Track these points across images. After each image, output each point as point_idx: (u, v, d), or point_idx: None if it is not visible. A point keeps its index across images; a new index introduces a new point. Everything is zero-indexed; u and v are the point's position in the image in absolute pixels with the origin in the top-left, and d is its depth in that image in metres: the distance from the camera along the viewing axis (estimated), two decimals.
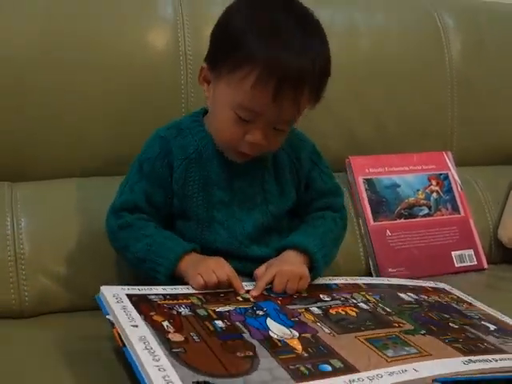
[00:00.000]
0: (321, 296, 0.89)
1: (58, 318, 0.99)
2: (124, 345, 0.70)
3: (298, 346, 0.74)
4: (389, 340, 0.77)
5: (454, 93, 1.39)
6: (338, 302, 0.88)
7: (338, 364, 0.70)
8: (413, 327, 0.82)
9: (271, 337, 0.75)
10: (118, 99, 1.12)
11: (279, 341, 0.75)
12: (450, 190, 1.33)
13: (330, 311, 0.85)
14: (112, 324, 0.75)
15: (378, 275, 1.19)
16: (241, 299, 0.85)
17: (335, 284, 0.96)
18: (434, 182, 1.32)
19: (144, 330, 0.72)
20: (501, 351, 0.79)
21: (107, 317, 0.76)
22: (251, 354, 0.70)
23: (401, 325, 0.82)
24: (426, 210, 1.29)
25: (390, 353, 0.74)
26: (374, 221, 1.24)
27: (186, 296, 0.83)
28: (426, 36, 1.39)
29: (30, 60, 1.06)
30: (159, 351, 0.67)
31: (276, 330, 0.77)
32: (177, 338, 0.71)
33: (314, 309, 0.85)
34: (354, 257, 1.21)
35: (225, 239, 0.95)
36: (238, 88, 0.85)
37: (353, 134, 1.30)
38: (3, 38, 1.05)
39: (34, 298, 1.00)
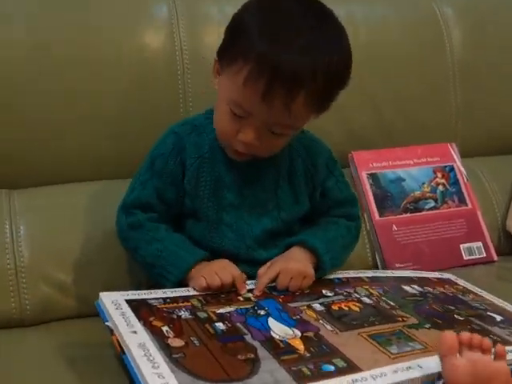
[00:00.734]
0: (323, 291, 0.88)
1: (59, 325, 0.98)
2: (123, 352, 0.69)
3: (300, 345, 0.72)
4: (392, 335, 0.76)
5: (457, 83, 1.37)
6: (341, 297, 0.87)
7: (340, 363, 0.69)
8: (417, 321, 0.81)
9: (273, 337, 0.74)
10: (114, 101, 1.10)
11: (281, 341, 0.73)
12: (456, 182, 1.30)
13: (333, 307, 0.83)
14: (111, 331, 0.74)
15: (385, 270, 1.17)
16: (242, 299, 0.84)
17: (338, 278, 0.94)
18: (439, 175, 1.30)
19: (143, 335, 0.71)
20: (507, 342, 0.77)
21: (106, 323, 0.75)
22: (252, 356, 0.69)
23: (404, 319, 0.81)
24: (432, 203, 1.27)
25: (393, 349, 0.72)
26: (380, 216, 1.22)
27: (186, 298, 0.82)
28: (425, 26, 1.37)
29: (24, 63, 1.05)
30: (158, 358, 0.66)
31: (278, 329, 0.76)
32: (177, 343, 0.70)
33: (316, 305, 0.83)
34: (361, 253, 1.18)
35: (232, 242, 0.93)
36: (233, 82, 0.83)
37: (355, 129, 1.29)
38: None
39: (35, 307, 0.99)
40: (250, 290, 0.87)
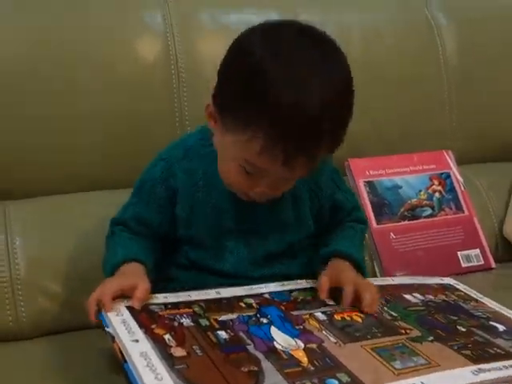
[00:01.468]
0: (325, 300, 0.87)
1: (56, 338, 0.97)
2: (125, 360, 0.67)
3: (303, 358, 0.71)
4: (396, 349, 0.74)
5: (452, 91, 1.37)
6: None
7: (344, 378, 0.67)
8: (420, 333, 0.79)
9: (276, 348, 0.72)
10: (109, 114, 1.10)
11: (284, 352, 0.72)
12: (452, 189, 1.30)
13: (335, 317, 0.82)
14: (112, 338, 0.72)
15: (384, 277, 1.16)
16: (244, 305, 0.83)
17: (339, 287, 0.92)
18: (435, 182, 1.30)
19: (145, 344, 0.69)
20: (511, 356, 0.76)
21: (107, 329, 0.73)
22: (256, 368, 0.67)
23: (407, 331, 0.80)
24: (429, 211, 1.26)
25: (397, 364, 0.71)
26: (377, 224, 1.21)
27: (187, 304, 0.81)
28: (418, 34, 1.37)
29: (17, 72, 1.05)
30: (161, 368, 0.65)
31: (281, 340, 0.74)
32: (179, 352, 0.69)
33: (319, 314, 0.82)
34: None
35: (233, 265, 0.89)
36: (245, 147, 0.77)
37: (350, 137, 1.27)
38: None
39: (32, 319, 0.98)
40: (252, 296, 0.85)
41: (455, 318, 0.86)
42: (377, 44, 1.32)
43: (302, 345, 0.74)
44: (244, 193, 0.84)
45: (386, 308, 0.86)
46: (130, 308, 0.77)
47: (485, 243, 1.27)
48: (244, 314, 0.80)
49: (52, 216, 1.05)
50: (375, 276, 1.18)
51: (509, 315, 0.90)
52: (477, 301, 0.95)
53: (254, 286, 0.87)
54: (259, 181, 0.80)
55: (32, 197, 1.07)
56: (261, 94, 0.73)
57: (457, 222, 1.27)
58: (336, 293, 0.86)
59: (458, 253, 1.24)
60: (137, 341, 0.69)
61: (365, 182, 1.24)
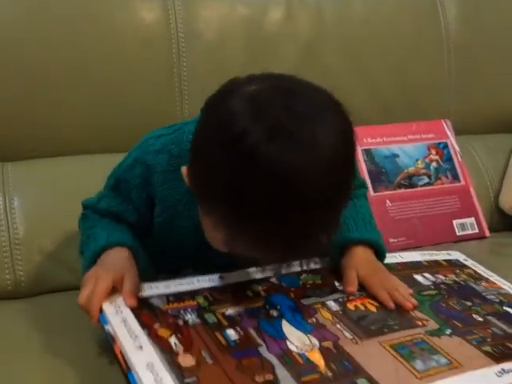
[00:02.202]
0: (336, 284, 0.83)
1: (54, 297, 0.97)
2: (129, 368, 0.63)
3: (320, 361, 0.67)
4: (415, 346, 0.71)
5: (451, 60, 1.37)
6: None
7: None
8: (437, 325, 0.77)
9: (290, 351, 0.68)
10: (109, 75, 1.09)
11: (300, 355, 0.67)
12: (449, 159, 1.31)
13: (348, 306, 0.78)
14: (112, 338, 0.67)
15: None
16: (250, 294, 0.78)
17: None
18: (433, 151, 1.30)
19: (150, 352, 0.64)
20: None
21: (106, 327, 0.68)
22: (271, 377, 0.63)
23: (424, 322, 0.77)
24: (426, 180, 1.27)
25: (418, 365, 0.68)
26: (374, 191, 1.22)
27: (191, 295, 0.75)
28: (421, 3, 1.36)
29: (16, 35, 1.04)
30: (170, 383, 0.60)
31: (294, 339, 0.70)
32: (187, 361, 0.64)
33: (331, 303, 0.78)
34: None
35: (217, 259, 0.78)
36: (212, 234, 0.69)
37: (349, 105, 1.27)
38: None
39: (30, 279, 0.99)
40: (258, 281, 0.80)
41: (469, 303, 0.84)
42: (379, 13, 1.31)
43: (317, 343, 0.70)
44: None
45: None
46: None
47: (480, 212, 1.28)
48: (252, 307, 0.75)
49: (50, 177, 1.06)
50: None
51: None
52: (487, 280, 0.93)
53: (258, 269, 0.81)
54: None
55: (31, 159, 1.07)
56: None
57: (453, 191, 1.28)
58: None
59: (454, 221, 1.25)
60: (141, 348, 0.64)
61: (362, 149, 1.24)
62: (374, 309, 0.79)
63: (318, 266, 0.87)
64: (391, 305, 0.79)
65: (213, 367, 0.64)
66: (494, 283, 0.93)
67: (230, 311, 0.73)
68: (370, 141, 1.26)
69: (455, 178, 1.30)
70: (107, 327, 0.68)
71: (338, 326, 0.74)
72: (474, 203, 1.28)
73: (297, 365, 0.66)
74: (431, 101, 1.36)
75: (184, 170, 0.72)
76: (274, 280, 0.81)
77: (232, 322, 0.71)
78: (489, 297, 0.88)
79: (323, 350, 0.69)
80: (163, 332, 0.68)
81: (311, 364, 0.66)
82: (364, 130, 1.26)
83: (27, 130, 1.06)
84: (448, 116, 1.37)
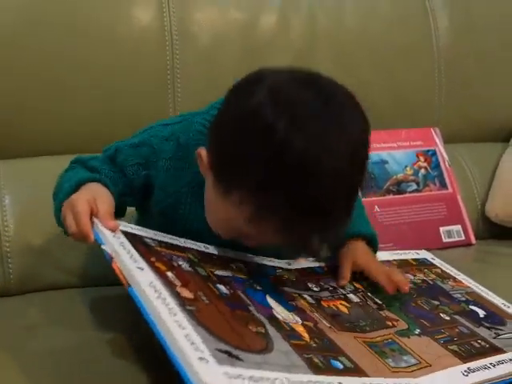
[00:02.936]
0: (309, 284, 0.83)
1: (44, 295, 0.97)
2: (129, 284, 0.60)
3: (304, 333, 0.67)
4: (386, 346, 0.72)
5: (442, 70, 1.38)
6: (327, 293, 0.83)
7: (347, 363, 0.64)
8: (407, 325, 0.79)
9: (276, 317, 0.68)
10: (103, 74, 1.10)
11: (285, 323, 0.68)
12: (437, 166, 1.33)
13: (322, 303, 0.79)
14: (110, 257, 0.64)
15: None
16: (234, 267, 0.77)
17: (320, 268, 0.90)
18: (422, 158, 1.32)
19: (151, 275, 0.61)
20: (496, 350, 0.77)
21: (103, 247, 0.65)
22: (263, 330, 0.63)
23: (394, 322, 0.79)
24: (414, 186, 1.29)
25: (390, 362, 0.69)
26: (362, 196, 1.23)
27: (180, 249, 0.73)
28: (413, 13, 1.38)
29: (13, 34, 1.04)
30: (173, 304, 0.57)
31: (279, 310, 0.71)
32: (186, 293, 0.61)
33: (307, 297, 0.79)
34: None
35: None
36: (235, 212, 0.68)
37: None
38: None
39: (20, 276, 0.99)
40: (241, 262, 0.79)
41: (437, 302, 0.87)
42: (372, 21, 1.33)
43: (300, 320, 0.71)
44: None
45: (369, 293, 0.85)
46: (124, 234, 0.69)
47: (466, 220, 1.30)
48: (238, 276, 0.74)
49: (42, 176, 1.05)
50: None
51: (485, 295, 0.92)
52: (455, 279, 0.97)
53: (240, 253, 0.81)
54: (252, 238, 0.73)
55: (22, 157, 1.07)
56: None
57: (440, 198, 1.29)
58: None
59: (440, 228, 1.27)
60: (141, 269, 0.62)
61: None
62: (345, 310, 0.80)
63: (292, 268, 0.87)
64: (391, 288, 0.84)
65: (210, 306, 0.63)
66: (461, 282, 0.96)
67: (218, 272, 0.72)
68: None
69: (443, 185, 1.31)
70: (104, 247, 0.66)
71: (316, 314, 0.75)
72: (460, 211, 1.30)
73: (284, 329, 0.66)
74: (421, 109, 1.38)
75: (203, 151, 0.73)
76: (253, 265, 0.81)
77: (222, 280, 0.71)
78: (455, 295, 0.91)
79: (306, 327, 0.69)
80: (160, 265, 0.66)
81: (297, 332, 0.67)
82: None
83: (19, 128, 1.07)
84: (437, 124, 1.38)
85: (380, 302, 0.84)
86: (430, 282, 0.95)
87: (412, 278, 0.94)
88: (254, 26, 1.21)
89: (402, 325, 0.79)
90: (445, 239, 1.26)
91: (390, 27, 1.34)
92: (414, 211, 1.26)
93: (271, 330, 0.64)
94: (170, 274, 0.64)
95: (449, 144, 1.38)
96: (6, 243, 0.99)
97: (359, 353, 0.69)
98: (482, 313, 0.87)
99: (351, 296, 0.84)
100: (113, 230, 0.68)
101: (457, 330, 0.81)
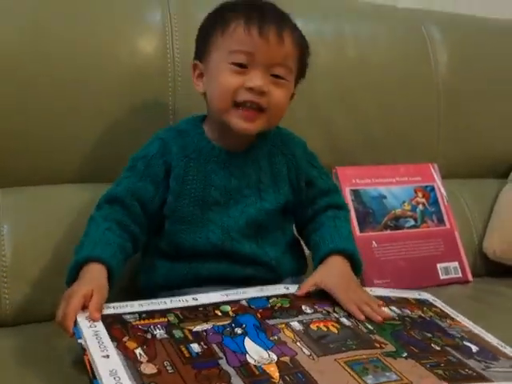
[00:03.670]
0: (303, 307, 0.87)
1: (39, 326, 0.97)
2: (94, 377, 0.67)
3: (275, 373, 0.70)
4: (370, 363, 0.74)
5: (441, 105, 1.40)
6: (320, 315, 0.85)
7: None
8: (394, 349, 0.80)
9: (248, 363, 0.72)
10: (106, 104, 1.11)
11: (256, 367, 0.71)
12: (435, 202, 1.33)
13: (311, 326, 0.82)
14: (83, 350, 0.72)
15: (364, 286, 1.18)
16: (220, 313, 0.82)
17: (318, 294, 0.92)
18: (420, 194, 1.32)
19: (115, 361, 0.69)
20: (482, 379, 0.76)
21: (79, 341, 0.73)
22: None
23: (382, 345, 0.80)
24: (411, 222, 1.29)
25: (369, 379, 0.71)
26: (361, 231, 1.24)
27: (162, 313, 0.80)
28: (413, 48, 1.40)
29: (13, 63, 1.05)
30: None
31: (254, 353, 0.74)
32: (149, 369, 0.68)
33: (295, 324, 0.82)
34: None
35: (217, 235, 0.95)
36: (229, 41, 0.92)
37: (339, 145, 1.31)
38: None
39: (16, 307, 0.99)
40: (229, 303, 0.85)
41: (430, 335, 0.87)
42: (372, 54, 1.34)
43: (275, 357, 0.74)
44: (239, 113, 0.92)
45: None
46: (104, 318, 0.77)
47: (464, 257, 1.30)
48: (219, 324, 0.79)
49: (40, 205, 1.06)
50: None
51: (482, 335, 0.91)
52: (453, 319, 0.96)
53: (231, 292, 0.87)
54: (249, 73, 0.91)
55: (22, 186, 1.07)
56: (229, 5, 0.96)
57: (438, 234, 1.30)
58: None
59: (438, 265, 1.27)
60: (107, 356, 0.69)
61: (351, 189, 1.26)
62: (335, 330, 0.82)
63: (288, 292, 0.91)
64: (361, 317, 0.87)
65: (172, 376, 0.68)
66: (459, 322, 0.96)
67: (197, 328, 0.78)
68: (358, 181, 1.28)
69: (440, 221, 1.32)
70: (80, 341, 0.73)
71: (298, 343, 0.78)
72: (458, 247, 1.30)
73: (252, 375, 0.70)
74: (420, 143, 1.39)
75: (196, 62, 0.98)
76: (243, 302, 0.86)
77: (197, 337, 0.76)
78: (451, 332, 0.91)
79: (280, 364, 0.73)
80: (130, 344, 0.72)
81: (266, 375, 0.71)
82: (352, 171, 1.28)
83: (19, 157, 1.07)
84: (436, 160, 1.39)
85: (371, 328, 0.85)
86: (428, 318, 0.94)
87: (409, 312, 0.94)
88: None
89: (390, 348, 0.80)
90: (442, 276, 1.26)
91: (389, 60, 1.36)
92: (411, 247, 1.26)
93: (236, 381, 0.69)
94: (138, 351, 0.71)
95: (447, 179, 1.39)
96: (3, 273, 0.99)
97: (334, 379, 0.71)
98: (475, 348, 0.86)
99: (343, 320, 0.86)
100: (94, 321, 0.77)
101: (445, 358, 0.80)
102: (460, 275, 1.28)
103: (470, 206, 1.39)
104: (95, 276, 0.84)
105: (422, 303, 1.00)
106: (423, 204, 1.32)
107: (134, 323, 0.77)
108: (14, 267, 1.00)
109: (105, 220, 0.91)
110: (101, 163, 1.12)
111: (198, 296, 0.85)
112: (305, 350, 0.76)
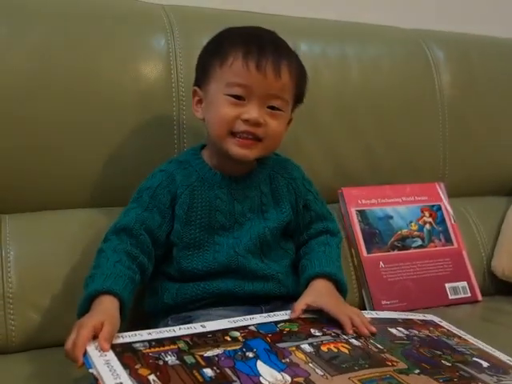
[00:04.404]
0: (311, 330, 0.87)
1: (45, 353, 0.97)
2: None
3: None
4: (383, 380, 0.74)
5: (446, 124, 1.40)
6: (329, 337, 0.86)
7: None
8: (406, 366, 0.80)
9: None
10: (110, 131, 1.11)
11: None
12: (442, 222, 1.32)
13: (322, 348, 0.82)
14: (96, 380, 0.71)
15: (372, 307, 1.18)
16: (229, 339, 0.82)
17: (325, 318, 0.92)
18: (426, 214, 1.32)
19: None
20: None
21: (90, 370, 0.73)
22: None
23: (394, 363, 0.80)
24: (419, 242, 1.28)
25: None
26: (368, 252, 1.23)
27: (172, 340, 0.80)
28: (416, 68, 1.40)
29: (22, 90, 1.06)
30: None
31: (267, 375, 0.74)
32: None
33: (306, 346, 0.82)
34: (348, 288, 1.18)
35: (224, 255, 0.97)
36: (227, 73, 0.94)
37: (344, 165, 1.31)
38: None
39: (22, 334, 0.98)
40: (237, 329, 0.85)
41: (439, 352, 0.87)
42: (375, 77, 1.35)
43: (289, 378, 0.73)
44: (235, 142, 0.94)
45: (372, 341, 0.87)
46: (113, 347, 0.76)
47: (472, 276, 1.29)
48: (230, 349, 0.79)
49: (47, 231, 1.06)
50: (363, 304, 1.19)
51: (492, 352, 0.91)
52: (460, 337, 0.96)
53: (238, 319, 0.88)
54: (246, 106, 0.94)
55: (29, 211, 1.08)
56: (228, 35, 0.98)
57: (446, 254, 1.29)
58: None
59: (446, 285, 1.25)
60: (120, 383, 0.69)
61: (357, 210, 1.26)
62: (346, 351, 0.82)
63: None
64: (350, 331, 0.88)
65: None
66: (467, 340, 0.95)
67: (208, 353, 0.78)
68: (364, 202, 1.27)
69: (448, 240, 1.31)
70: (92, 370, 0.72)
71: (311, 364, 0.78)
72: (466, 267, 1.29)
73: None
74: (425, 163, 1.39)
75: (195, 89, 1.01)
76: (252, 328, 0.86)
77: (209, 362, 0.76)
78: (460, 349, 0.91)
79: None
80: (143, 371, 0.72)
81: None
82: (358, 192, 1.28)
83: (26, 182, 1.07)
84: (442, 178, 1.39)
85: (381, 347, 0.85)
86: (435, 337, 0.94)
87: (416, 332, 0.94)
88: None
89: (402, 365, 0.80)
90: (451, 296, 1.25)
91: (393, 82, 1.36)
92: (419, 267, 1.25)
93: None
94: (151, 377, 0.71)
95: (454, 198, 1.38)
96: (9, 300, 0.99)
97: None
98: (485, 364, 0.86)
99: (353, 341, 0.86)
100: (104, 351, 0.76)
101: (457, 373, 0.80)
102: (469, 295, 1.27)
103: (477, 225, 1.38)
104: (107, 307, 0.85)
105: (428, 323, 1.00)
106: (430, 223, 1.31)
107: (144, 351, 0.76)
108: (20, 294, 1.00)
109: (114, 252, 0.92)
110: (107, 188, 1.12)
111: (206, 323, 0.86)
112: (318, 370, 0.76)
